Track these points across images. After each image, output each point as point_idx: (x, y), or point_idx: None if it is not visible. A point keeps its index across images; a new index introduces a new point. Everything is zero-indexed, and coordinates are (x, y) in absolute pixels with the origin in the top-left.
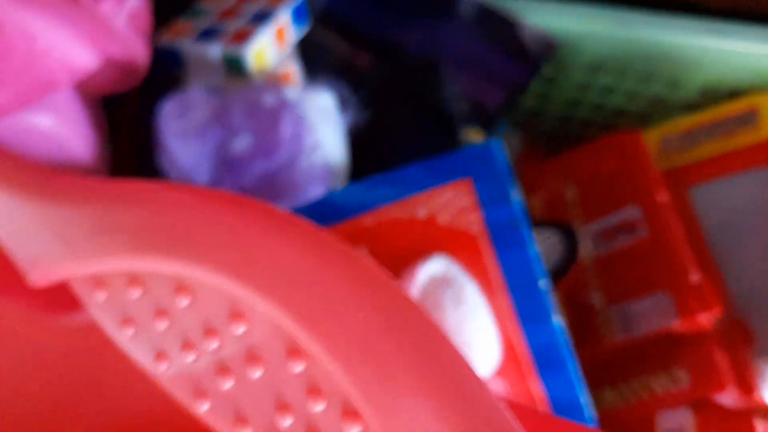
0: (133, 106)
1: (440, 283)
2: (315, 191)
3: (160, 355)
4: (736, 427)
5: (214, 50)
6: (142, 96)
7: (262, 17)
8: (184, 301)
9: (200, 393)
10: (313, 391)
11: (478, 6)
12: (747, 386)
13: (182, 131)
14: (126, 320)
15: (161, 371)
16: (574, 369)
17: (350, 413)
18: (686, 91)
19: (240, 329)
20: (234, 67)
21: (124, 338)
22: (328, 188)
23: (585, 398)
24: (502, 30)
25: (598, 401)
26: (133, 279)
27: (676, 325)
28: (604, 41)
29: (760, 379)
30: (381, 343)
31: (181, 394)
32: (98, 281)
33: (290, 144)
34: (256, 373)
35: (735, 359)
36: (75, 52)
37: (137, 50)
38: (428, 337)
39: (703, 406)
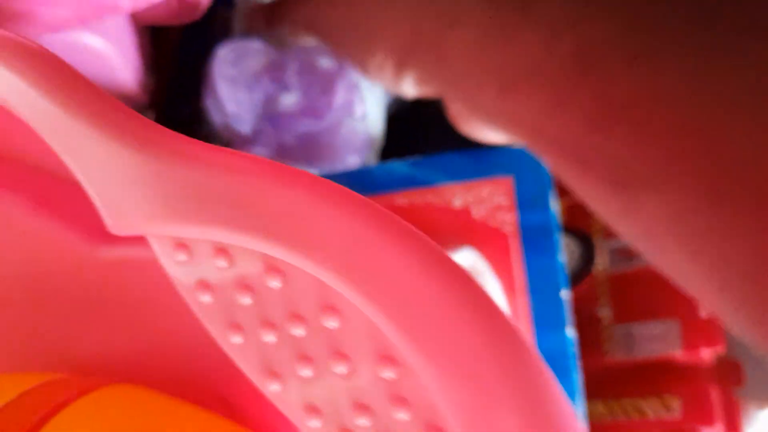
0: (175, 41)
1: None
2: (352, 160)
3: (234, 327)
4: None
5: None
6: (185, 32)
7: None
8: (273, 282)
9: (273, 374)
10: (399, 399)
11: None
12: (733, 425)
13: (233, 78)
14: (204, 285)
15: (233, 341)
16: (577, 380)
17: (435, 428)
18: None
19: (330, 323)
20: None
21: (199, 302)
22: (363, 159)
23: (582, 409)
24: None
25: (588, 411)
26: (221, 249)
27: (679, 355)
28: None
29: (746, 420)
30: (480, 362)
31: (248, 368)
32: (181, 242)
33: (341, 110)
34: (340, 369)
35: (725, 396)
36: None
37: None
38: (528, 364)
39: None
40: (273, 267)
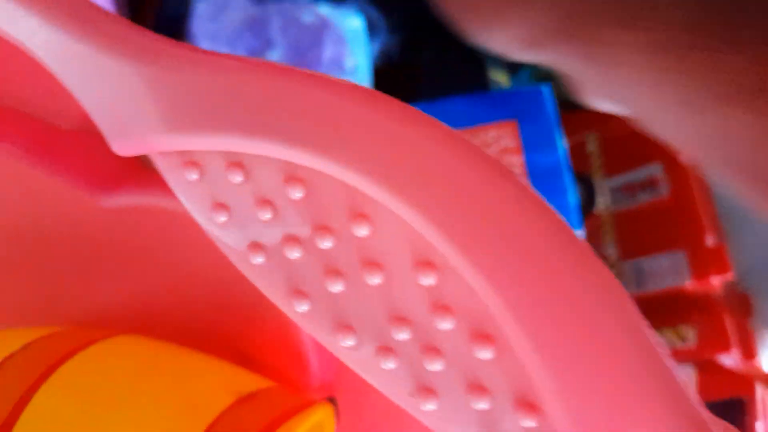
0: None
1: None
2: None
3: (255, 246)
4: (736, 387)
5: None
6: None
7: None
8: (295, 193)
9: (299, 293)
10: (441, 307)
11: None
12: (749, 351)
13: (214, 34)
14: (219, 205)
15: (253, 262)
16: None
17: (486, 337)
18: None
19: (361, 231)
20: None
21: (214, 223)
22: None
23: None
24: None
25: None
26: (235, 162)
27: (689, 285)
28: None
29: (761, 346)
30: (536, 258)
31: (272, 291)
32: (190, 160)
33: (330, 64)
34: (375, 280)
35: (739, 325)
36: None
37: None
38: (591, 265)
39: (706, 365)
40: (293, 176)
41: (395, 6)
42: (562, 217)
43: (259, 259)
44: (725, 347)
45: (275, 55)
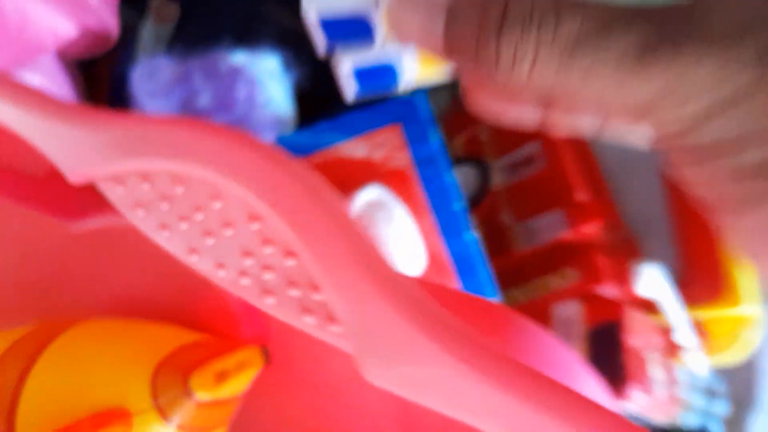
0: (107, 67)
1: (375, 206)
2: (268, 137)
3: (163, 226)
4: (612, 311)
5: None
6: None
7: None
8: (180, 189)
9: (192, 250)
10: (266, 240)
11: None
12: (624, 282)
13: (151, 91)
14: (138, 204)
15: (164, 237)
16: (485, 271)
17: (289, 252)
18: None
19: (217, 205)
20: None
21: (138, 218)
22: (278, 134)
23: (494, 294)
24: None
25: (509, 299)
26: (144, 176)
27: (568, 235)
28: None
29: (634, 277)
30: (312, 212)
31: (178, 252)
32: (118, 179)
33: (245, 102)
34: (229, 233)
35: (618, 263)
36: (58, 23)
37: (108, 21)
38: (340, 214)
39: (588, 297)
40: (177, 179)
41: (303, 46)
42: (314, 179)
43: (166, 234)
44: (599, 280)
45: (203, 101)
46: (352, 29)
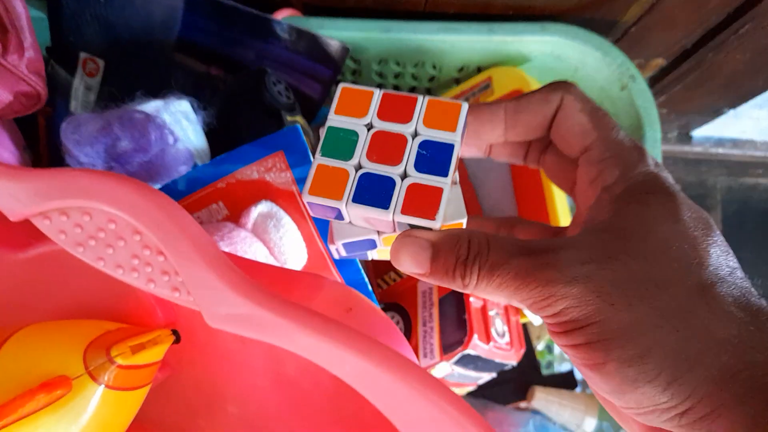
0: (44, 123)
1: (266, 217)
2: (183, 170)
3: (79, 244)
4: None
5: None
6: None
7: None
8: (87, 218)
9: (99, 258)
10: (145, 246)
11: (291, 27)
12: None
13: (78, 141)
14: (61, 231)
15: (79, 253)
16: (356, 265)
17: (159, 252)
18: (448, 70)
19: (113, 226)
20: None
21: (61, 240)
22: (193, 166)
23: (364, 279)
24: (310, 43)
25: (385, 282)
26: (62, 211)
27: None
28: (380, 42)
29: None
30: (169, 226)
31: (90, 262)
32: (45, 215)
33: (158, 143)
34: (122, 243)
35: None
36: None
37: (38, 85)
38: (187, 226)
39: None
40: (86, 212)
41: (217, 86)
42: (169, 204)
43: (81, 249)
44: None
45: (122, 145)
46: (361, 246)
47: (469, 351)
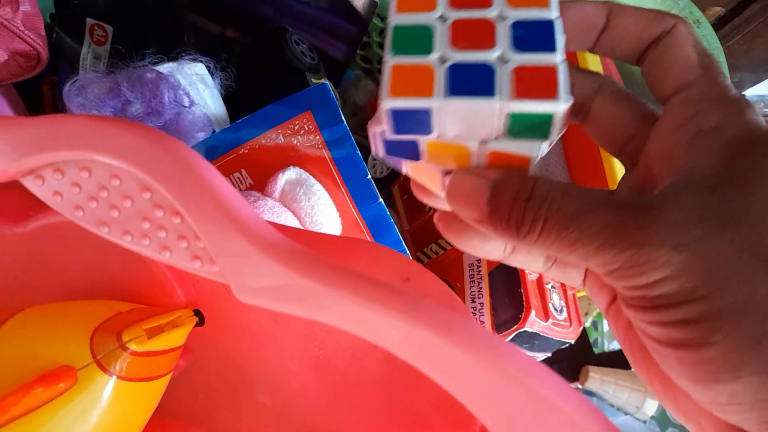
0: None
1: (295, 184)
2: (201, 136)
3: (77, 207)
4: None
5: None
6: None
7: None
8: (85, 174)
9: (102, 223)
10: (157, 206)
11: None
12: None
13: (83, 104)
14: (56, 192)
15: (78, 216)
16: (395, 231)
17: (175, 212)
18: None
19: (115, 182)
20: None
21: (57, 204)
22: (212, 132)
23: (405, 250)
24: None
25: (426, 255)
26: (57, 168)
27: None
28: None
29: None
30: (186, 179)
31: (92, 228)
32: (36, 174)
33: (172, 105)
34: (128, 204)
35: None
36: None
37: (36, 43)
38: (208, 179)
39: None
40: (84, 167)
41: (234, 47)
42: (186, 152)
43: (80, 213)
44: None
45: (134, 109)
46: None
47: (527, 329)
